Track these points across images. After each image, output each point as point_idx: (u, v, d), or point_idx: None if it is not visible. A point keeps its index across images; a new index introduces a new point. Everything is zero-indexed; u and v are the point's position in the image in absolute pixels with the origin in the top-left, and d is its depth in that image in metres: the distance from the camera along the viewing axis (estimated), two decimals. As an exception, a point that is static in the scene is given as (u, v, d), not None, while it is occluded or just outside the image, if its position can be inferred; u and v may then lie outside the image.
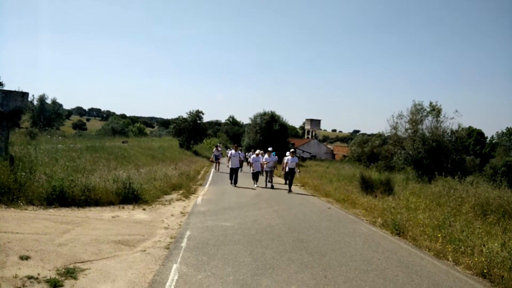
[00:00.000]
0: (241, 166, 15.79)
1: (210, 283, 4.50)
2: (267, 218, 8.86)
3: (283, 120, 41.34)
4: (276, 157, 15.72)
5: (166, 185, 12.76)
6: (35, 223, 6.54)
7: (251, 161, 15.84)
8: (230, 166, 15.46)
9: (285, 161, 15.16)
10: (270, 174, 15.49)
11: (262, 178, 15.86)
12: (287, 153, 15.27)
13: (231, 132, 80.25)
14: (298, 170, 14.82)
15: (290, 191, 14.04)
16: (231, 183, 15.10)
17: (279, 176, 19.20)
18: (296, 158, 14.96)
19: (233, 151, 15.96)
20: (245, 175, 18.05)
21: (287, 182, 15.61)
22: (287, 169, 14.68)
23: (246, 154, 27.73)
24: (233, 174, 15.21)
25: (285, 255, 5.84)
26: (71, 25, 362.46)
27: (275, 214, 9.45)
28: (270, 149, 16.59)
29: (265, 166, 15.65)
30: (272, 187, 15.07)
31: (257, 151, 16.70)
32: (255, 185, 15.08)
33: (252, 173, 15.67)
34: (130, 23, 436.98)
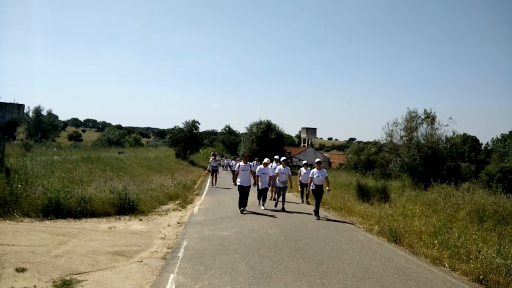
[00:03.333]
0: (255, 183, 11.91)
1: (208, 293, 4.49)
2: (264, 227, 8.85)
3: (279, 129, 41.63)
4: (289, 167, 12.48)
5: (163, 195, 12.76)
6: (31, 235, 6.51)
7: (257, 174, 11.56)
8: (239, 183, 10.99)
9: (303, 172, 12.85)
10: (283, 191, 11.93)
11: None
12: (302, 162, 12.97)
13: (228, 141, 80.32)
14: (328, 189, 10.70)
15: (318, 217, 10.39)
16: (241, 211, 10.76)
17: (289, 192, 16.66)
18: (325, 171, 10.83)
19: (241, 162, 11.30)
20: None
21: (306, 200, 13.62)
22: (313, 186, 10.69)
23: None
24: (245, 196, 10.96)
25: (282, 263, 5.84)
26: (64, 34, 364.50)
27: (272, 223, 9.44)
28: (283, 158, 12.56)
29: (277, 180, 12.10)
30: (283, 209, 11.54)
31: (265, 160, 11.91)
32: (262, 206, 11.87)
33: (258, 190, 11.88)
34: (125, 32, 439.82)
